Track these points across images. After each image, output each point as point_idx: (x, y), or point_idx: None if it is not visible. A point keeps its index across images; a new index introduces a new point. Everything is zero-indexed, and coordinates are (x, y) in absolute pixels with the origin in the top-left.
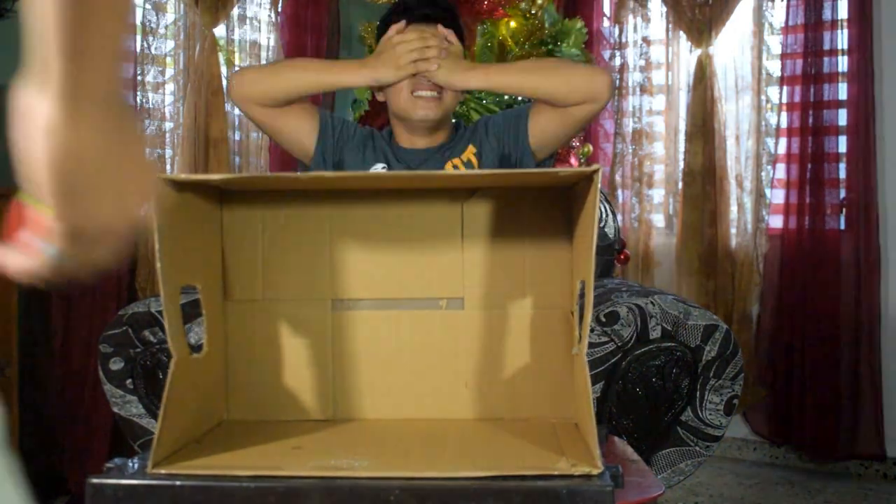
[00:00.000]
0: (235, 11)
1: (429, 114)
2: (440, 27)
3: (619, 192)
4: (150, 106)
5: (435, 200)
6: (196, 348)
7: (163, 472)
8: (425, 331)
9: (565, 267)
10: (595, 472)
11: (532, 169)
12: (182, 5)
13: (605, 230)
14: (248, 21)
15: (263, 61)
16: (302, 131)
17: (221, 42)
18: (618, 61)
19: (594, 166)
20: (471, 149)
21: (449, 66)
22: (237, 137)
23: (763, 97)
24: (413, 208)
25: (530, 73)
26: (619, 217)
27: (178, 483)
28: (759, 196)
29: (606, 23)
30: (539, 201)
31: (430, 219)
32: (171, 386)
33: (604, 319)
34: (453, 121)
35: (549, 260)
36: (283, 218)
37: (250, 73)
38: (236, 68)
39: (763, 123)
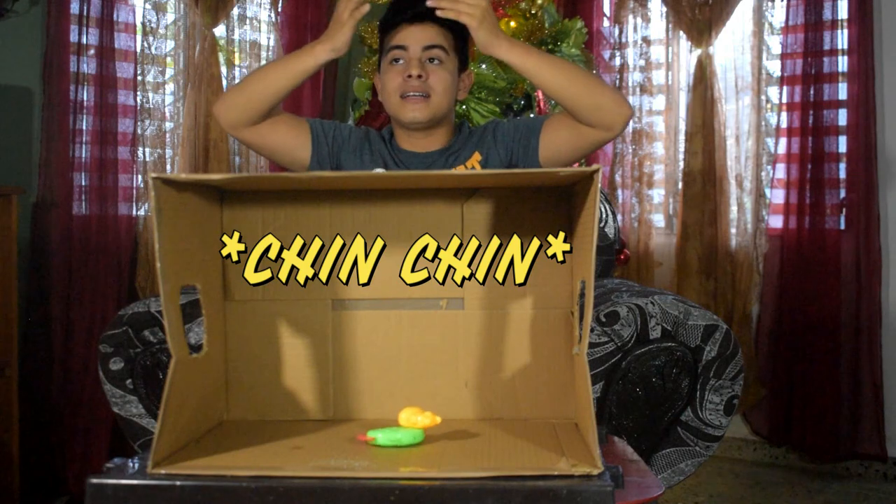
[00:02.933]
0: (235, 11)
1: (417, 115)
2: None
3: (619, 192)
4: (150, 106)
5: (435, 201)
6: (196, 348)
7: (163, 472)
8: (425, 331)
9: (565, 267)
10: (595, 472)
11: (532, 169)
12: (182, 5)
13: (605, 230)
14: (248, 21)
15: (263, 61)
16: (295, 145)
17: (221, 42)
18: (618, 61)
19: (594, 166)
20: (476, 156)
21: (489, 28)
22: None
23: (763, 97)
24: (413, 209)
25: (565, 71)
26: (619, 217)
27: (178, 483)
28: (759, 196)
29: (606, 23)
30: (538, 201)
31: (429, 219)
32: (170, 386)
33: (604, 319)
34: (457, 121)
35: (549, 260)
36: (282, 218)
37: (226, 100)
38: (237, 69)
39: (763, 123)
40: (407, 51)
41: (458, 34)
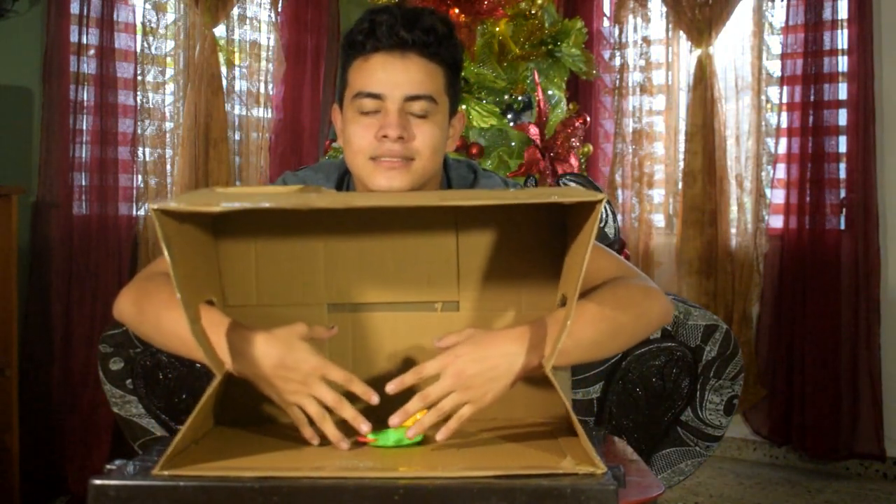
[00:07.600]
0: (235, 11)
1: (394, 184)
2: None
3: (619, 192)
4: (150, 106)
5: (430, 225)
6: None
7: (166, 473)
8: (421, 333)
9: (559, 274)
10: (599, 471)
11: (533, 188)
12: (182, 5)
13: (605, 230)
14: (248, 21)
15: (263, 61)
16: None
17: (221, 42)
18: (618, 61)
19: (600, 196)
20: None
21: (504, 375)
22: (237, 137)
23: (763, 97)
24: (406, 237)
25: (610, 340)
26: (619, 217)
27: (181, 484)
28: (759, 196)
29: (606, 23)
30: (532, 219)
31: (424, 245)
32: (206, 400)
33: None
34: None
35: (544, 266)
36: (275, 248)
37: (122, 304)
38: (237, 69)
39: (763, 123)
40: (384, 101)
41: (452, 67)
